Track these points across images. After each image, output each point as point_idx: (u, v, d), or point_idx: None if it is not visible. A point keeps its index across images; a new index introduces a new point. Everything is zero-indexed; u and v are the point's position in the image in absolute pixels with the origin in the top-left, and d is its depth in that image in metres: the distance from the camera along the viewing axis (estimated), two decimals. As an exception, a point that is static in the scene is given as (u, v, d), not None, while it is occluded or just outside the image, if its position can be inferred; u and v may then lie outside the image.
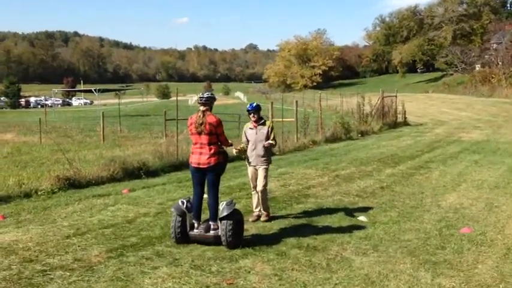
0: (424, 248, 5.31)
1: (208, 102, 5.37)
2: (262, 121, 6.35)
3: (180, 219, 5.25)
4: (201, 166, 5.30)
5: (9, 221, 6.32)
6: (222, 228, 5.14)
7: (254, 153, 6.28)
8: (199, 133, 5.30)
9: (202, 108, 5.35)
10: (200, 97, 5.41)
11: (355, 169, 10.59)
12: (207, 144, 5.29)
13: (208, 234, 5.29)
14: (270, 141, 6.26)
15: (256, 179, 6.32)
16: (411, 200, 7.63)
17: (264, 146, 6.22)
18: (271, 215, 6.51)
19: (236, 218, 5.25)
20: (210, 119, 5.30)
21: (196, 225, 5.38)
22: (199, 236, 5.30)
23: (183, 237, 5.26)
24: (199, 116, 5.29)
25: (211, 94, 5.49)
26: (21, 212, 6.81)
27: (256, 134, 6.26)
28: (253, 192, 6.46)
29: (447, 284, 4.32)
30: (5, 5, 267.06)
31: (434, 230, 5.97)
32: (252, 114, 6.28)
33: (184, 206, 5.31)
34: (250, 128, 6.33)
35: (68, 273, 4.47)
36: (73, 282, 4.28)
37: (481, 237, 5.66)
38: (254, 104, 6.36)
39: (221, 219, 5.17)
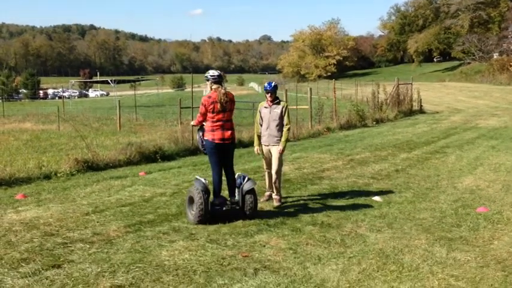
0: (440, 225, 5.30)
1: (221, 80, 5.50)
2: (277, 101, 6.35)
3: (206, 196, 5.26)
4: (226, 141, 5.45)
5: (30, 200, 6.51)
6: (248, 200, 5.43)
7: (267, 132, 6.27)
8: (224, 110, 5.40)
9: (216, 86, 5.43)
10: (212, 75, 5.48)
11: (370, 154, 10.54)
12: (229, 120, 5.50)
13: (230, 207, 5.42)
14: (282, 147, 6.17)
15: (269, 158, 6.34)
16: (426, 182, 7.58)
17: (276, 126, 6.20)
18: (284, 195, 6.55)
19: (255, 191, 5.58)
20: (231, 95, 5.51)
21: (217, 201, 5.46)
22: (219, 211, 5.39)
23: (207, 215, 5.28)
24: (224, 94, 5.40)
25: (219, 72, 5.61)
26: (42, 192, 7.01)
27: (270, 113, 6.26)
28: (266, 171, 6.48)
29: (462, 258, 4.31)
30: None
31: (449, 210, 5.93)
32: (270, 94, 6.28)
33: (206, 182, 5.41)
34: (264, 107, 6.34)
35: (88, 246, 4.61)
36: (93, 253, 4.42)
37: (498, 216, 5.61)
38: (273, 84, 6.33)
39: (247, 192, 5.43)
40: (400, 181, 7.69)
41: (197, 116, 5.57)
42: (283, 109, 6.26)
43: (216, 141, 5.42)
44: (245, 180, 5.51)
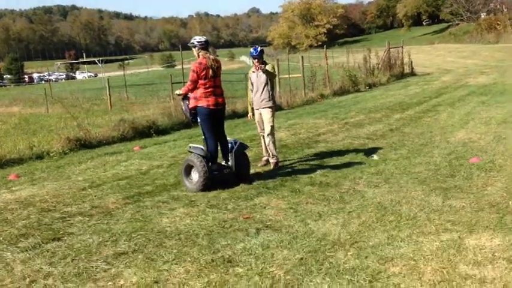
0: (435, 177, 5.37)
1: (208, 45, 5.44)
2: (264, 64, 6.28)
3: (206, 161, 5.30)
4: (219, 107, 5.46)
5: (23, 180, 6.46)
6: (242, 163, 5.55)
7: (256, 96, 6.27)
8: (215, 76, 5.36)
9: (204, 52, 5.34)
10: (199, 41, 5.39)
11: (364, 116, 10.54)
12: (219, 86, 5.48)
13: (226, 171, 5.47)
14: (264, 68, 6.05)
15: (262, 122, 6.32)
16: (420, 139, 7.63)
17: (263, 89, 6.15)
18: (281, 159, 6.56)
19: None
20: (218, 61, 5.45)
21: (214, 167, 5.46)
22: (219, 175, 5.42)
23: (210, 181, 5.30)
24: (213, 60, 5.35)
25: (206, 38, 5.53)
26: (35, 171, 6.95)
27: (257, 76, 6.22)
28: (260, 136, 6.48)
29: (457, 205, 4.39)
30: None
31: (444, 162, 6.01)
32: (257, 60, 6.21)
33: (205, 149, 5.43)
34: (253, 72, 6.32)
35: (87, 218, 4.61)
36: (93, 225, 4.42)
37: (490, 165, 5.70)
38: (258, 49, 6.27)
39: (240, 155, 5.54)
40: (395, 139, 7.73)
41: (187, 84, 5.45)
42: (268, 67, 6.18)
43: (211, 107, 5.38)
44: (236, 145, 5.57)
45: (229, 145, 5.60)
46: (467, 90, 14.34)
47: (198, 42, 5.39)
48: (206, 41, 5.45)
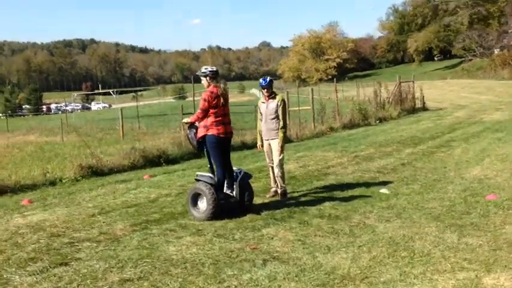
0: (449, 213, 5.23)
1: (217, 75, 5.54)
2: (273, 95, 6.33)
3: (214, 189, 5.32)
4: (228, 135, 5.54)
5: (36, 205, 6.51)
6: (246, 192, 5.57)
7: (265, 126, 6.28)
8: (225, 104, 5.46)
9: (214, 82, 5.45)
10: (211, 70, 5.50)
11: (375, 150, 10.47)
12: (228, 114, 5.56)
13: (232, 200, 5.47)
14: (281, 142, 6.19)
15: (271, 152, 6.31)
16: (433, 174, 7.51)
17: (273, 120, 6.17)
18: (290, 191, 6.51)
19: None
20: (227, 92, 5.54)
21: (222, 195, 5.45)
22: (225, 204, 5.41)
23: (219, 210, 5.29)
24: (224, 88, 5.47)
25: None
26: (47, 197, 7.01)
27: (267, 107, 6.26)
28: (269, 166, 6.44)
29: (474, 243, 4.25)
30: (22, 16, 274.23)
31: (458, 198, 5.86)
32: (266, 90, 6.27)
33: (214, 178, 5.46)
34: (262, 102, 6.37)
35: (95, 244, 4.59)
36: (100, 251, 4.39)
37: (508, 202, 5.54)
38: (268, 79, 6.34)
39: (244, 185, 5.56)
40: (407, 174, 7.63)
41: (197, 113, 5.48)
42: (279, 103, 6.24)
43: (221, 136, 5.43)
44: (241, 174, 5.61)
45: (234, 174, 5.62)
46: (482, 126, 14.21)
47: (210, 71, 5.50)
48: (216, 71, 5.57)
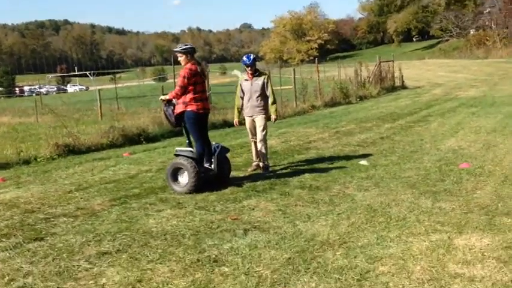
0: (425, 181, 5.36)
1: (194, 52, 5.47)
2: (258, 73, 6.28)
3: (195, 163, 5.32)
4: (206, 111, 5.56)
5: (9, 183, 6.33)
6: (224, 166, 5.66)
7: (249, 104, 6.24)
8: (203, 81, 5.46)
9: (186, 57, 5.35)
10: (191, 47, 5.45)
11: (355, 126, 10.58)
12: (206, 90, 5.58)
13: (211, 173, 5.48)
14: (275, 116, 6.27)
15: (254, 128, 6.30)
16: (411, 146, 7.65)
17: (258, 97, 6.15)
18: (271, 165, 6.52)
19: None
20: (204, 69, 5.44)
21: (202, 169, 5.42)
22: (204, 177, 5.41)
23: (200, 182, 5.31)
24: (201, 64, 5.47)
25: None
26: (21, 175, 6.83)
27: (252, 85, 6.21)
28: (251, 142, 6.44)
29: (447, 207, 4.37)
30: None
31: (433, 167, 6.01)
32: (250, 67, 6.20)
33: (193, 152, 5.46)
34: (245, 80, 6.29)
35: (72, 219, 4.50)
36: (77, 225, 4.31)
37: (480, 170, 5.72)
38: (251, 57, 6.26)
39: (223, 158, 5.63)
40: (386, 147, 7.74)
41: (176, 89, 5.39)
42: (265, 80, 6.22)
43: (201, 112, 5.42)
44: (219, 148, 5.65)
45: (212, 149, 5.62)
46: (457, 102, 14.51)
47: (190, 48, 5.43)
48: (193, 47, 5.49)
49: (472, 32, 55.55)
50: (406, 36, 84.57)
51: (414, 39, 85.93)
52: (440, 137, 8.33)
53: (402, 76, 23.53)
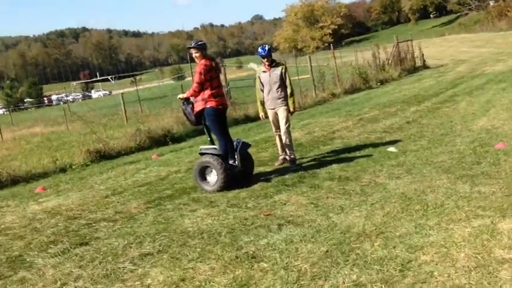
0: (460, 165, 5.24)
1: (206, 47, 5.54)
2: (275, 64, 6.23)
3: (222, 159, 5.36)
4: (225, 106, 5.61)
5: (49, 192, 6.59)
6: (247, 161, 5.70)
7: (270, 96, 6.19)
8: (218, 76, 5.49)
9: (201, 53, 5.40)
10: (204, 43, 5.57)
11: (379, 111, 10.42)
12: (221, 86, 5.61)
13: (236, 169, 5.49)
14: (293, 107, 6.25)
15: (277, 121, 6.26)
16: (440, 129, 7.49)
17: (278, 88, 6.11)
18: (298, 158, 6.52)
19: None
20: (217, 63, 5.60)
21: (228, 166, 5.46)
22: (231, 173, 5.44)
23: (229, 179, 5.35)
24: (215, 59, 5.49)
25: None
26: (60, 183, 7.09)
27: (270, 76, 6.15)
28: (276, 135, 6.42)
29: (487, 191, 4.27)
30: (13, 11, 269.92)
31: (468, 150, 5.86)
32: (266, 59, 6.16)
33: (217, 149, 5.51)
34: (263, 72, 6.22)
35: (112, 223, 4.66)
36: (117, 229, 4.46)
37: (517, 150, 5.53)
38: (266, 47, 6.20)
39: (245, 154, 5.66)
40: (413, 131, 7.61)
41: (193, 87, 5.40)
42: (283, 70, 6.16)
43: (220, 107, 5.44)
44: (240, 144, 5.62)
45: (234, 144, 5.62)
46: (484, 79, 14.04)
47: (204, 43, 5.54)
48: (206, 43, 5.63)
49: (491, 3, 53.48)
50: (423, 14, 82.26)
51: (431, 15, 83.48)
52: (471, 117, 8.12)
53: (423, 55, 22.91)
